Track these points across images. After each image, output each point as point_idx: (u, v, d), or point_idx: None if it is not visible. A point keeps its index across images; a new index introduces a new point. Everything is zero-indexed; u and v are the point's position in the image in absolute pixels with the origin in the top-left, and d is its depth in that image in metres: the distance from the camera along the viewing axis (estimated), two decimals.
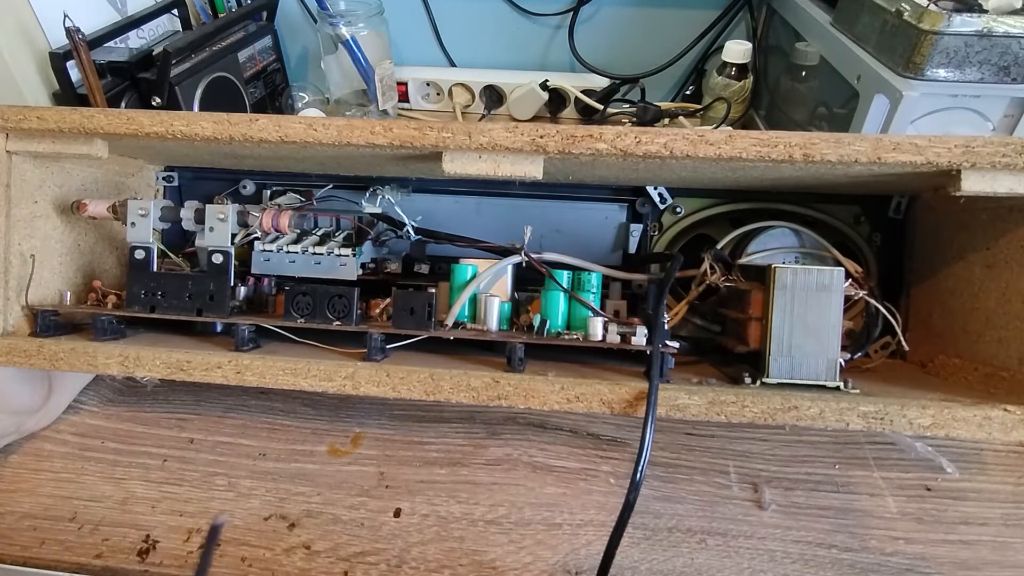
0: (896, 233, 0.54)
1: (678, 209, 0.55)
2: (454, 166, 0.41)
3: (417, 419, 0.53)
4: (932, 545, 0.44)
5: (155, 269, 0.47)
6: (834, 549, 0.44)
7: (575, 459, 0.50)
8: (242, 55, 0.82)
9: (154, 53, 0.68)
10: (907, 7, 0.54)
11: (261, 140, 0.41)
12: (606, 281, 0.51)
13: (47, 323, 0.46)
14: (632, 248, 0.56)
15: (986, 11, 0.52)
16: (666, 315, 0.45)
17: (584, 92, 0.88)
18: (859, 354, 0.46)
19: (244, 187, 0.57)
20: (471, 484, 0.48)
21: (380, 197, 0.54)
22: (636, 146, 0.39)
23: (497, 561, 0.43)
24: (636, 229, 0.56)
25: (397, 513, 0.46)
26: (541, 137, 0.39)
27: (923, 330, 0.51)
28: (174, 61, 0.69)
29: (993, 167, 0.37)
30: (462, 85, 0.93)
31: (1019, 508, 0.46)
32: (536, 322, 0.45)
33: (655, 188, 0.54)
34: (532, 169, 0.41)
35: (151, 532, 0.45)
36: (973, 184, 0.38)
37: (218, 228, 0.47)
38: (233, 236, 0.47)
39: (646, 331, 0.42)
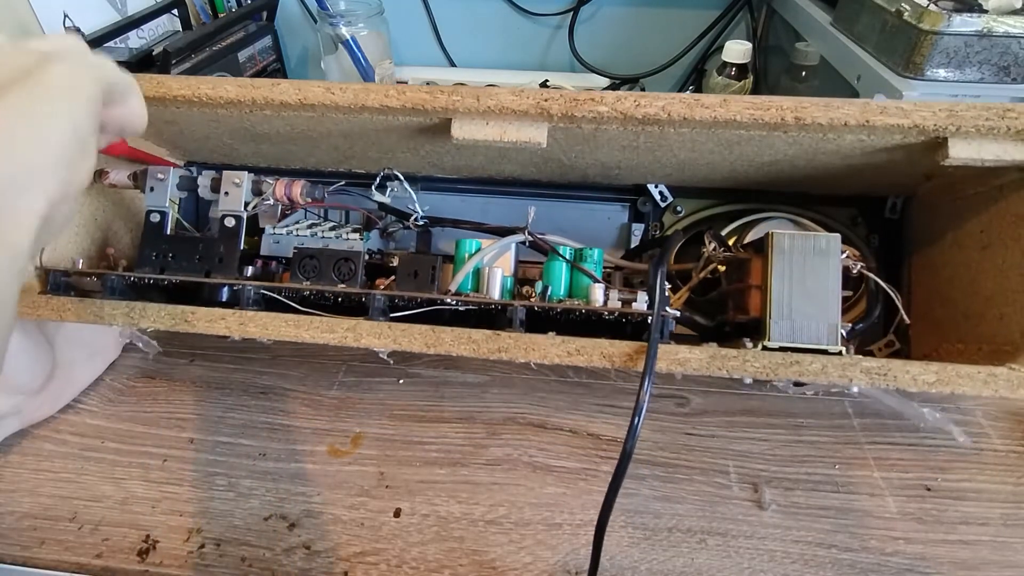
0: (893, 233, 0.54)
1: (679, 209, 0.55)
2: (463, 132, 0.42)
3: (417, 419, 0.53)
4: (932, 545, 0.44)
5: (168, 232, 0.48)
6: (834, 549, 0.44)
7: (575, 459, 0.50)
8: (242, 55, 0.82)
9: (154, 53, 0.69)
10: (907, 7, 0.54)
11: (282, 103, 0.42)
12: (608, 272, 0.51)
13: (57, 282, 0.46)
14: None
15: (986, 11, 0.52)
16: (667, 300, 0.45)
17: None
18: (861, 326, 0.46)
19: None
20: (471, 484, 0.48)
21: (389, 188, 0.54)
22: (635, 109, 0.40)
23: (497, 561, 0.43)
24: (638, 229, 0.56)
25: (397, 513, 0.46)
26: (546, 100, 0.40)
27: (925, 324, 0.51)
28: (174, 61, 0.69)
29: (978, 131, 0.38)
30: (462, 85, 0.93)
31: (1019, 508, 0.46)
32: (538, 289, 0.45)
33: (656, 186, 0.54)
34: (537, 135, 0.42)
35: (151, 532, 0.45)
36: (960, 151, 0.39)
37: (233, 193, 0.47)
38: (247, 204, 0.47)
39: (647, 298, 0.42)
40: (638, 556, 0.44)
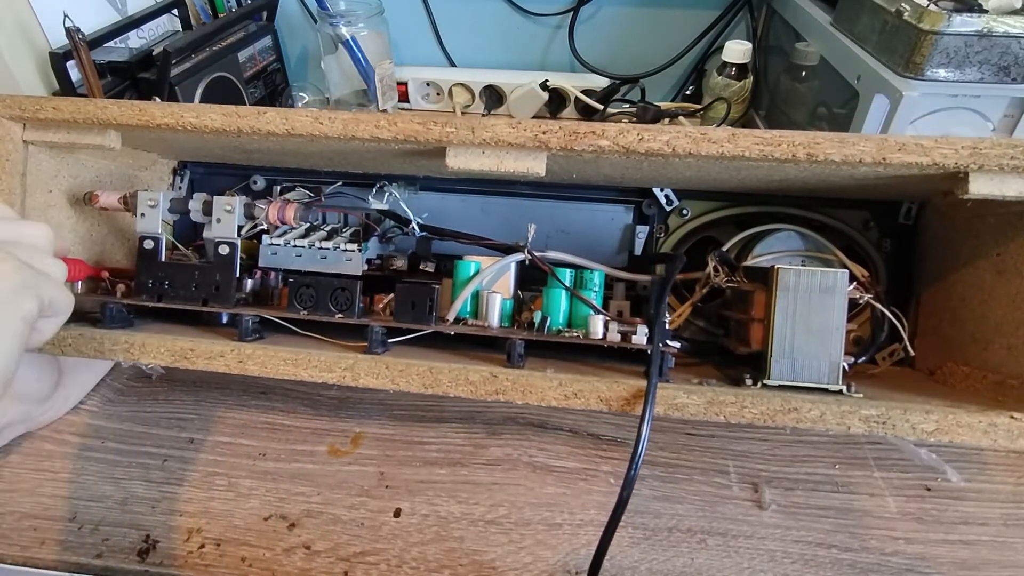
0: (906, 239, 0.53)
1: (684, 211, 0.55)
2: (457, 161, 0.41)
3: (417, 419, 0.53)
4: (932, 545, 0.44)
5: (163, 259, 0.48)
6: (834, 549, 0.44)
7: (575, 459, 0.50)
8: (242, 55, 0.82)
9: (154, 53, 0.69)
10: (907, 7, 0.54)
11: (268, 133, 0.42)
12: (610, 281, 0.51)
13: None
14: (638, 250, 0.56)
15: (986, 11, 0.52)
16: (668, 316, 0.45)
17: (584, 92, 0.88)
18: (863, 358, 0.46)
19: (255, 183, 0.58)
20: (471, 484, 0.48)
21: (387, 194, 0.54)
22: (639, 143, 0.38)
23: (497, 561, 0.43)
24: (642, 231, 0.56)
25: (397, 513, 0.46)
26: (544, 133, 0.39)
27: (932, 338, 0.50)
28: (174, 61, 0.69)
29: (1001, 169, 0.37)
30: (462, 85, 0.93)
31: (1019, 508, 0.46)
32: (537, 319, 0.45)
33: (661, 190, 0.54)
34: (535, 165, 0.41)
35: (151, 532, 0.45)
36: (981, 187, 0.37)
37: (225, 219, 0.47)
38: (240, 228, 0.47)
39: (647, 330, 0.42)
40: (638, 556, 0.44)
